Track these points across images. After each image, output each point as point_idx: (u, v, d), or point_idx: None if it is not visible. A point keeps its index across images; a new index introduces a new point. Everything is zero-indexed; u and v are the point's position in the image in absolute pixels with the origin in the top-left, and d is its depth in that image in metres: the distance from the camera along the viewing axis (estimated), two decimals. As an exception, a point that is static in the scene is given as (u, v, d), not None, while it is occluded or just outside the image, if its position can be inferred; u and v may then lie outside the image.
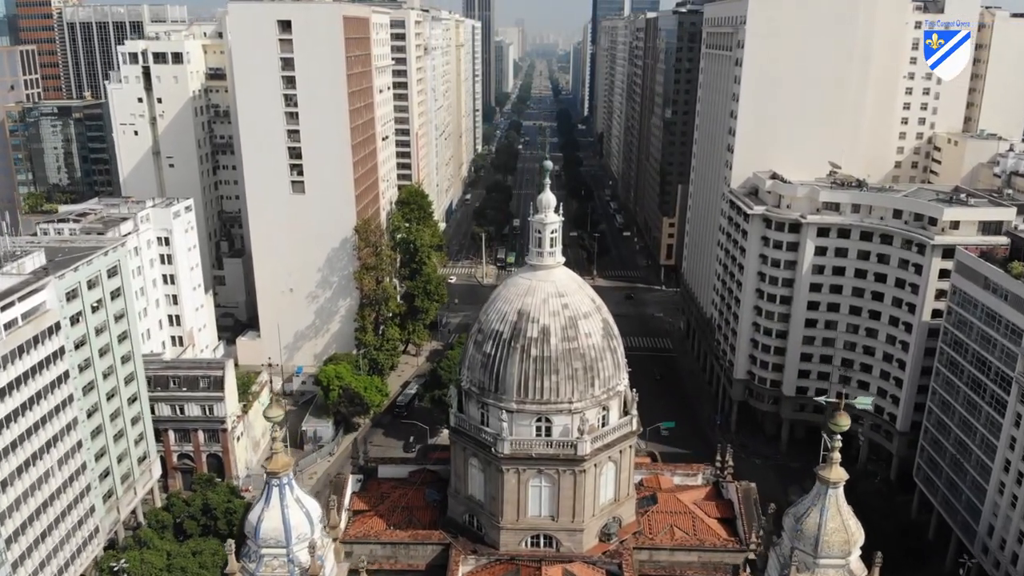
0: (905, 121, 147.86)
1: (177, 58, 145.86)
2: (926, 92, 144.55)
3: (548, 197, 65.22)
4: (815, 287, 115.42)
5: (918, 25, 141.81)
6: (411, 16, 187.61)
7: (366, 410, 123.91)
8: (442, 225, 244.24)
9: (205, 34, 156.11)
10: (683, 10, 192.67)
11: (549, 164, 65.84)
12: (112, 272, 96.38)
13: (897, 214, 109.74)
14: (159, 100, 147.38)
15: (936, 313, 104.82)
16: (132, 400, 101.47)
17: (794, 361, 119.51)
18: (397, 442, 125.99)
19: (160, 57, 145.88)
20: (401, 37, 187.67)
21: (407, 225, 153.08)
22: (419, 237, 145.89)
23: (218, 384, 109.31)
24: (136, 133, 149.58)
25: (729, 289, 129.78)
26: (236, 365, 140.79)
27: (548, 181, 66.06)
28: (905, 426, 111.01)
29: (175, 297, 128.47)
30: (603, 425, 65.28)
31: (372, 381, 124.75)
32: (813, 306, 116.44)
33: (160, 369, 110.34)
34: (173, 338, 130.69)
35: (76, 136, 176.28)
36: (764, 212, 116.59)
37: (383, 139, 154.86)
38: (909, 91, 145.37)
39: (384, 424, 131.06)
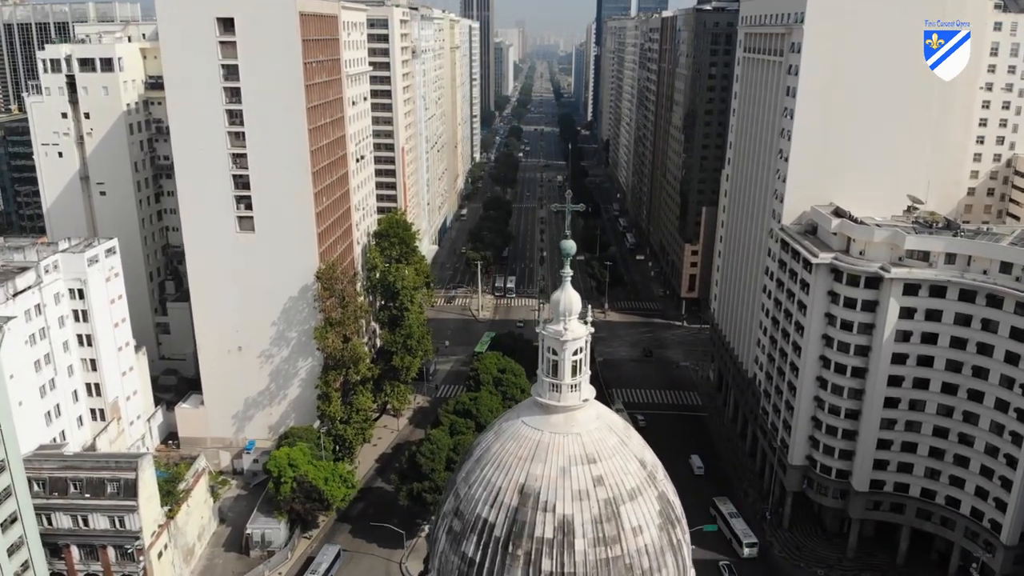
0: (981, 140, 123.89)
1: (107, 64, 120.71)
2: (1005, 106, 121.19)
3: (570, 298, 40.37)
4: (898, 358, 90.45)
5: (998, 27, 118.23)
6: (395, 14, 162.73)
7: (327, 506, 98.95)
8: (434, 248, 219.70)
9: (144, 36, 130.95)
10: (708, 7, 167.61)
11: (571, 246, 40.82)
12: (-31, 358, 71.35)
13: (1005, 268, 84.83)
14: (86, 115, 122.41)
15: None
16: (10, 522, 76.40)
17: (868, 448, 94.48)
18: (368, 544, 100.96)
19: (87, 64, 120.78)
20: (383, 39, 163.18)
21: (385, 263, 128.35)
22: (399, 278, 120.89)
23: (130, 489, 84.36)
24: (61, 155, 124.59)
25: (782, 351, 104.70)
26: (175, 439, 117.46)
27: (570, 271, 41.08)
28: (1013, 539, 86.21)
29: (94, 362, 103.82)
30: (657, 671, 40.32)
31: (335, 469, 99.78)
32: (895, 381, 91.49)
33: (57, 469, 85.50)
34: (93, 411, 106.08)
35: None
36: (832, 262, 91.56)
37: (357, 160, 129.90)
38: (986, 104, 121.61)
39: (352, 517, 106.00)
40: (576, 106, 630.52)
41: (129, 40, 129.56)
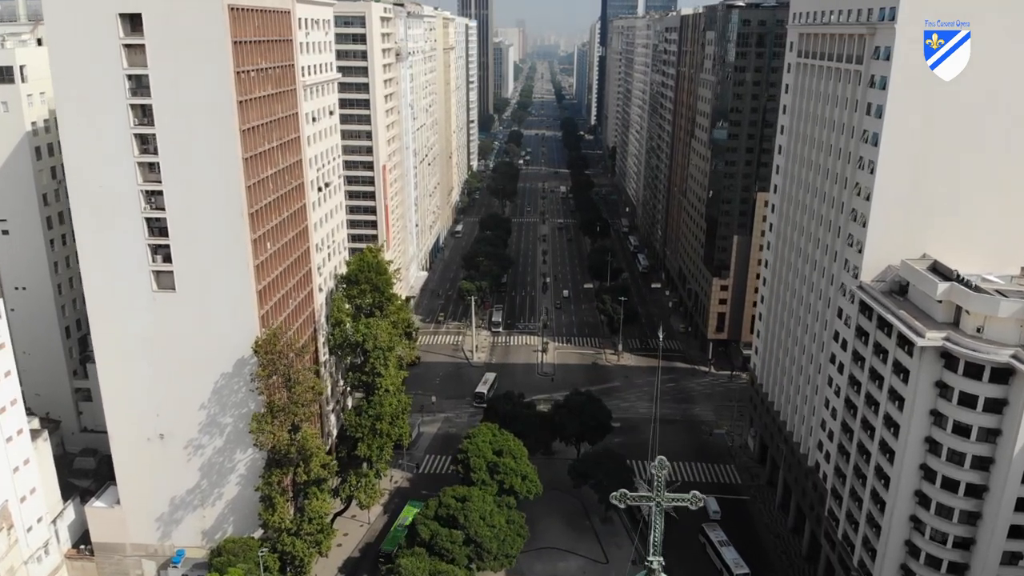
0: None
1: (6, 74, 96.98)
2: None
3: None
4: (1034, 476, 66.68)
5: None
6: (373, 11, 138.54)
7: (267, 658, 75.13)
8: (423, 276, 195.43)
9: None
10: (740, 3, 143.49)
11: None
12: None
13: None
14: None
15: None
16: None
17: (986, 589, 70.63)
18: None
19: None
20: (359, 39, 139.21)
21: (352, 313, 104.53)
22: (370, 338, 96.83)
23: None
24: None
25: (861, 446, 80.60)
26: (87, 545, 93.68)
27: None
28: None
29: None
30: None
31: (278, 605, 75.97)
32: (1027, 506, 67.81)
33: None
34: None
35: None
36: (945, 344, 67.52)
37: (320, 189, 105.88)
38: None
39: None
40: (579, 109, 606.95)
41: (39, 43, 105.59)
